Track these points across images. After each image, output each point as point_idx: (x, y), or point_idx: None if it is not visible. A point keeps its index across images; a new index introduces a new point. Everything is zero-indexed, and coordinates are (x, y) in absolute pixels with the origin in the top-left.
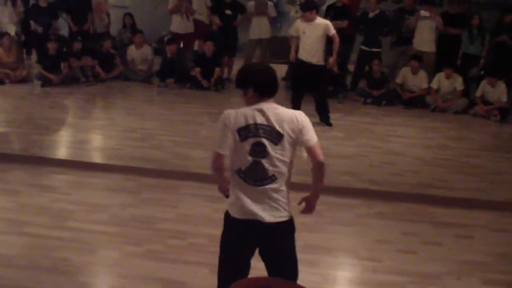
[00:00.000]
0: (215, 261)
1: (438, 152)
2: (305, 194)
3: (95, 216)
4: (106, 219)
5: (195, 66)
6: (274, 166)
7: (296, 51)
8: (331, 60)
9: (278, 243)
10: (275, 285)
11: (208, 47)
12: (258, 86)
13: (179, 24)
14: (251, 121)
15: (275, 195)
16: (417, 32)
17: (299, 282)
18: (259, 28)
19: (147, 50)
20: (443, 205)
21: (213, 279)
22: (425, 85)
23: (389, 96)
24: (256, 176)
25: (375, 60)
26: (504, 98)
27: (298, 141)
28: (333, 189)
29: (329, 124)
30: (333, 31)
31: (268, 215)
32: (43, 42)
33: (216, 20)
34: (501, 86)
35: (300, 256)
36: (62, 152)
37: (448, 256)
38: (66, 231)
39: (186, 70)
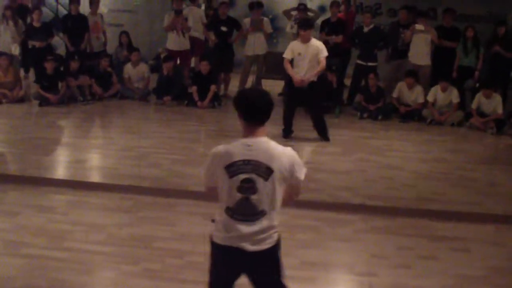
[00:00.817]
0: None
1: (435, 166)
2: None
3: (92, 236)
4: (103, 239)
5: (192, 84)
6: (264, 201)
7: None
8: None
9: (263, 269)
10: None
11: (204, 67)
12: (245, 112)
13: (174, 41)
14: (239, 158)
15: (264, 229)
16: (413, 46)
17: None
18: (254, 44)
19: (143, 68)
20: (439, 219)
21: None
22: (421, 100)
23: (385, 110)
24: (245, 212)
25: (371, 74)
26: (500, 110)
27: (289, 177)
28: (330, 205)
29: (327, 139)
30: (324, 54)
31: (252, 245)
32: (41, 62)
33: (212, 37)
34: (497, 98)
35: (297, 273)
36: (59, 172)
37: (444, 270)
38: (63, 252)
39: (183, 87)
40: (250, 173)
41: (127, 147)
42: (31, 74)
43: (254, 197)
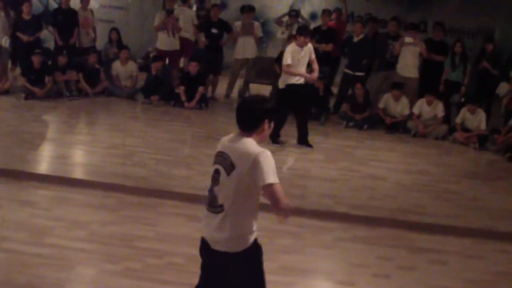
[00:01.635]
0: (193, 281)
1: (417, 178)
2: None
3: (74, 233)
4: (85, 236)
5: (180, 84)
6: (224, 196)
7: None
8: (315, 76)
9: (229, 273)
10: None
11: (193, 68)
12: (236, 117)
13: (165, 41)
14: (221, 148)
15: (223, 225)
16: (401, 58)
17: None
18: (244, 48)
19: (132, 66)
20: (419, 231)
21: None
22: (406, 112)
23: (371, 120)
24: (210, 202)
25: (358, 84)
26: (483, 126)
27: (248, 179)
28: (312, 212)
29: (310, 146)
30: (314, 54)
31: (216, 242)
32: (28, 55)
33: (202, 38)
34: (481, 114)
35: (277, 278)
36: (43, 167)
37: (422, 281)
38: (44, 248)
39: (171, 88)
40: (219, 165)
41: (113, 145)
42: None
43: (215, 189)
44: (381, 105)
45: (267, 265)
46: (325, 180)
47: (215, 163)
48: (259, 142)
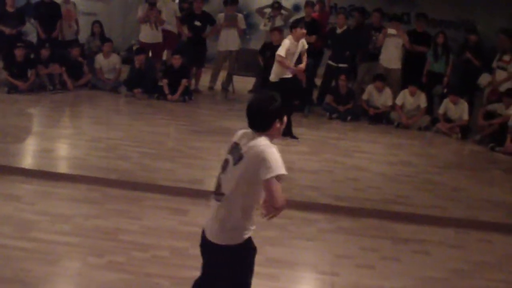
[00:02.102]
0: (177, 273)
1: (401, 169)
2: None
3: (58, 227)
4: (69, 230)
5: (163, 77)
6: (226, 184)
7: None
8: (302, 67)
9: (214, 264)
10: None
11: (176, 60)
12: (248, 120)
13: (147, 34)
14: (234, 139)
15: (222, 215)
16: (384, 49)
17: None
18: (228, 40)
19: (115, 59)
20: (402, 221)
21: None
22: (389, 103)
23: (355, 112)
24: (215, 189)
25: (342, 76)
26: (466, 117)
27: (252, 173)
28: (296, 204)
29: (295, 137)
30: (306, 46)
31: (209, 232)
32: (11, 48)
33: (185, 30)
34: (463, 105)
35: (261, 270)
36: (27, 161)
37: (406, 272)
38: (29, 242)
39: (154, 81)
40: (230, 154)
41: (96, 138)
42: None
43: (222, 176)
44: (364, 96)
45: None
46: (309, 172)
47: (227, 152)
48: (274, 138)
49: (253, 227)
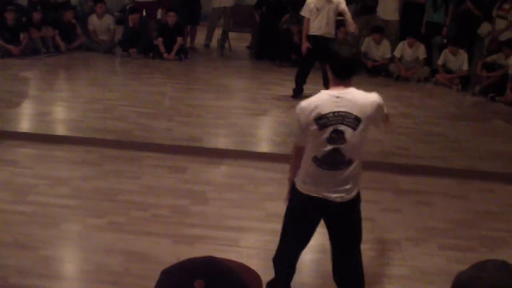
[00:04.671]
0: (177, 231)
1: (401, 121)
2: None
3: (57, 190)
4: (68, 192)
5: (158, 35)
6: (352, 151)
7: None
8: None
9: (346, 219)
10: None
11: (171, 18)
12: (333, 64)
13: None
14: (330, 110)
15: (349, 177)
16: (381, 1)
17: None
18: None
19: (109, 20)
20: (404, 173)
21: (175, 250)
22: (388, 55)
23: None
24: (333, 161)
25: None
26: (465, 67)
27: (376, 119)
28: None
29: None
30: (343, 5)
31: (338, 196)
32: (1, 12)
33: None
34: (463, 55)
35: (263, 225)
36: (23, 125)
37: (407, 223)
38: (28, 206)
39: (149, 40)
40: (340, 124)
41: (92, 100)
42: None
43: (343, 147)
44: (362, 49)
45: (253, 213)
46: None
47: (328, 125)
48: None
49: None
